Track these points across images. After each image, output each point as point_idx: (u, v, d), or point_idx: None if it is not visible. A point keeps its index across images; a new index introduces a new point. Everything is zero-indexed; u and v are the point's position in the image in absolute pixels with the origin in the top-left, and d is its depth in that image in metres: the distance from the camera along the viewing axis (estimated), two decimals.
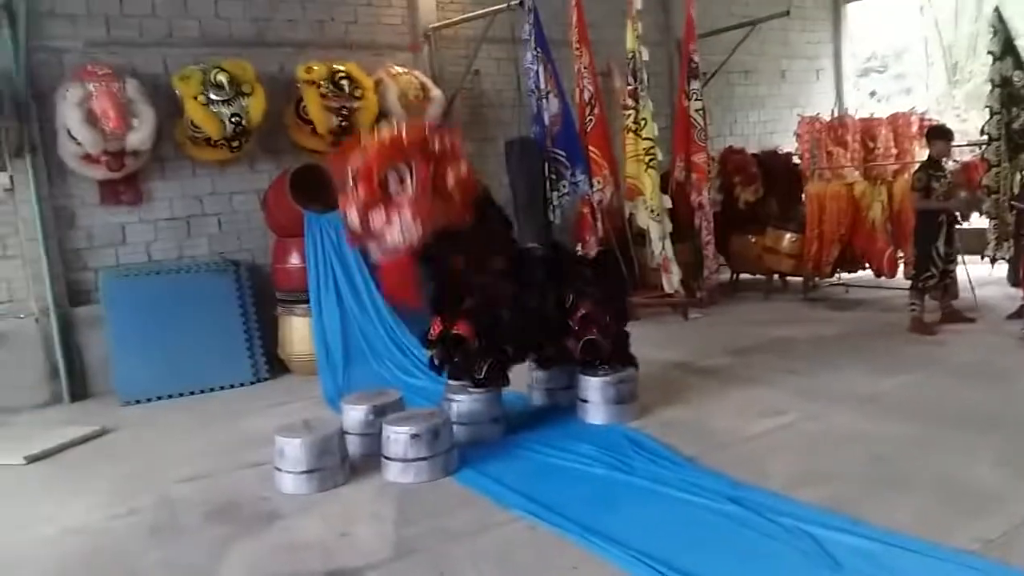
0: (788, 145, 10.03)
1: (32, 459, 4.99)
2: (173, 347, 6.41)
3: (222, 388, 6.46)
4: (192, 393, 6.30)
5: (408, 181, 4.24)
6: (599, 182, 7.68)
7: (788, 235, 8.64)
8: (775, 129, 11.29)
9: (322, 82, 7.19)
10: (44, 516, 4.12)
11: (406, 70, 7.95)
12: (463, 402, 4.76)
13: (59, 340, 6.45)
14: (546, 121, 7.40)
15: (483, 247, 4.71)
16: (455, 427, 4.53)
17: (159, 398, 6.22)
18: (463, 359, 4.78)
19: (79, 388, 6.52)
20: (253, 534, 3.74)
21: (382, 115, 7.61)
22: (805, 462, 4.14)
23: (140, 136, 6.53)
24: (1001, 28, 7.14)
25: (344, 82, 7.29)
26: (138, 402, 6.17)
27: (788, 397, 5.18)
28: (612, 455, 4.33)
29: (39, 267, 6.46)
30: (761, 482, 3.87)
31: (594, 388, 4.96)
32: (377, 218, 4.25)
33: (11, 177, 6.41)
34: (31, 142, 6.43)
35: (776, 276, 9.07)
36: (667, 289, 7.89)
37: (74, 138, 6.36)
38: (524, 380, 5.40)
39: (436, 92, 8.02)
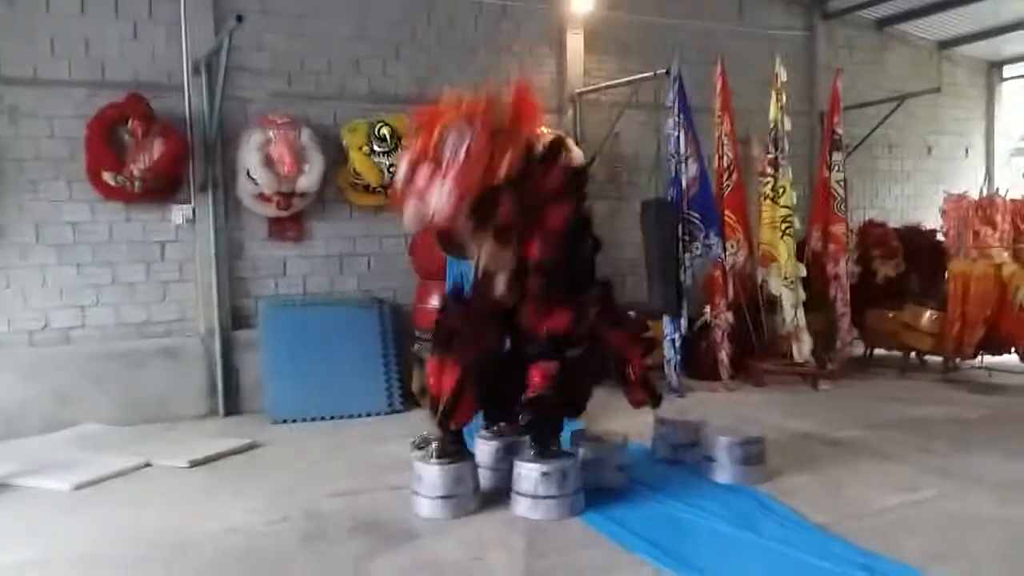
0: (932, 221, 9.77)
1: (194, 463, 5.51)
2: (319, 373, 6.90)
3: (360, 416, 6.87)
4: (333, 417, 6.74)
5: (463, 149, 4.14)
6: (733, 245, 7.78)
7: (929, 312, 8.37)
8: (918, 205, 11.03)
9: None
10: (207, 514, 4.55)
11: (551, 131, 8.35)
12: (591, 448, 4.92)
13: (220, 359, 7.09)
14: (683, 184, 7.59)
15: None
16: (584, 472, 4.65)
17: (304, 420, 6.69)
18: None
19: (233, 404, 7.11)
20: (393, 549, 4.00)
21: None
22: (940, 539, 4.04)
23: (309, 180, 7.18)
24: None
25: None
26: (285, 421, 6.66)
27: (923, 475, 5.04)
28: (738, 513, 4.37)
29: (209, 292, 7.14)
30: (894, 555, 3.81)
31: (721, 447, 5.01)
32: (422, 175, 4.20)
33: (194, 210, 7.15)
34: (214, 180, 7.18)
35: (914, 354, 8.78)
36: (797, 358, 7.82)
37: (252, 178, 7.06)
38: (649, 433, 5.52)
39: (578, 152, 8.35)
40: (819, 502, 4.57)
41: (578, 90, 8.70)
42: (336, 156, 7.41)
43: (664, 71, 7.61)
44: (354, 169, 7.32)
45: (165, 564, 3.90)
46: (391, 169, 7.22)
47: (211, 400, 7.09)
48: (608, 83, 8.64)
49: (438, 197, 4.16)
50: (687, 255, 7.61)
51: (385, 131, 7.29)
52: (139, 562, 3.93)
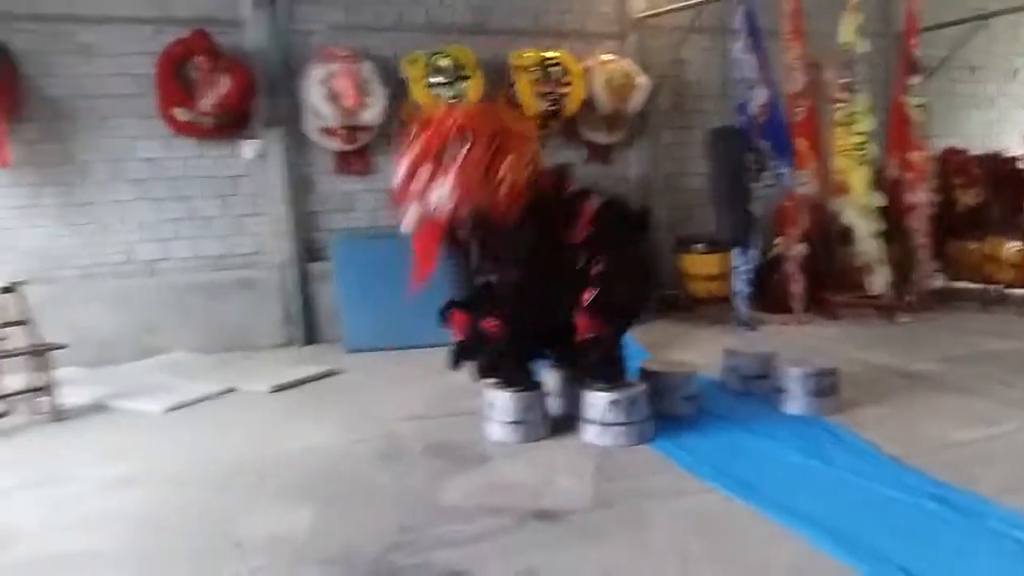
0: (1015, 148, 9.29)
1: (276, 389, 5.75)
2: (390, 305, 7.01)
3: (433, 345, 6.99)
4: (406, 347, 6.89)
5: (463, 150, 4.30)
6: (805, 175, 7.55)
7: (1011, 244, 8.06)
8: (1002, 131, 10.47)
9: (534, 68, 7.59)
10: (289, 436, 4.78)
11: (614, 58, 8.18)
12: (660, 378, 4.94)
13: (295, 291, 7.30)
14: (752, 111, 7.36)
15: (511, 248, 4.54)
16: (653, 401, 4.70)
17: (378, 349, 6.87)
18: (494, 358, 4.70)
19: (310, 334, 7.36)
20: (466, 470, 4.14)
21: (588, 101, 7.91)
22: (1019, 471, 3.98)
23: (372, 113, 7.22)
24: None
25: (554, 69, 7.66)
26: (359, 351, 6.86)
27: (1003, 408, 4.91)
28: (808, 443, 4.36)
29: (282, 226, 7.32)
30: (967, 487, 3.76)
31: (792, 378, 4.97)
32: (423, 175, 4.35)
33: (264, 144, 7.28)
34: (281, 114, 7.27)
35: (996, 286, 8.47)
36: (872, 290, 7.63)
37: (317, 112, 7.13)
38: (719, 366, 5.53)
39: (642, 79, 8.20)
40: (893, 435, 4.51)
41: (640, 14, 8.45)
42: (397, 89, 7.40)
43: None
44: (415, 101, 7.31)
45: (249, 481, 4.12)
46: (451, 101, 7.20)
47: (289, 329, 7.34)
48: (671, 7, 8.35)
49: (439, 194, 4.30)
50: (757, 185, 7.43)
51: (443, 62, 7.25)
52: (225, 479, 4.16)
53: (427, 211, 4.39)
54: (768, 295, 7.94)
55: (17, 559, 3.32)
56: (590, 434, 4.53)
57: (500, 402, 4.57)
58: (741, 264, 7.51)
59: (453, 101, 7.20)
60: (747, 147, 7.38)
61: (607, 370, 4.66)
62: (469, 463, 4.24)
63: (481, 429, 4.65)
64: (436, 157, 4.35)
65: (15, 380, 5.35)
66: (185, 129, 6.98)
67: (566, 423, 4.74)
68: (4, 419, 5.22)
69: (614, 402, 4.46)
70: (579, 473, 4.08)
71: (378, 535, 3.41)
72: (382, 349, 6.87)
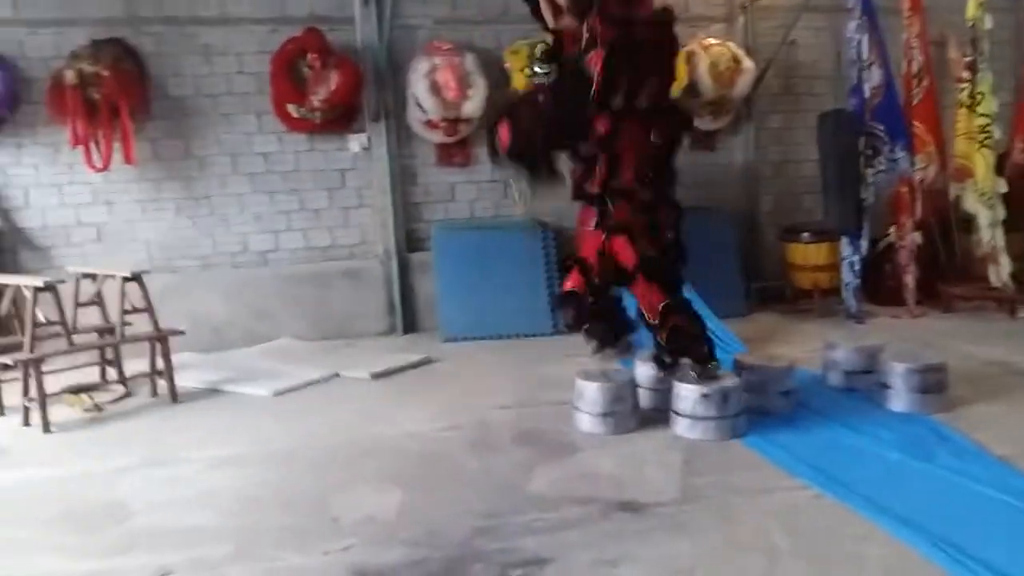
0: None
1: (376, 376, 5.97)
2: (487, 295, 7.18)
3: (525, 336, 7.11)
4: (500, 337, 7.01)
5: None
6: (922, 160, 7.16)
7: None
8: None
9: None
10: (386, 420, 4.96)
11: (719, 41, 7.98)
12: (754, 372, 4.83)
13: (396, 280, 7.53)
14: (866, 93, 7.04)
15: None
16: (747, 396, 4.61)
17: (473, 338, 7.01)
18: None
19: (410, 323, 7.58)
20: (555, 460, 4.19)
21: (691, 86, 7.75)
22: None
23: (473, 105, 7.32)
24: None
25: None
26: (456, 340, 7.02)
27: None
28: (911, 442, 4.17)
29: (386, 216, 7.56)
30: None
31: (898, 374, 4.76)
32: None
33: (369, 138, 7.53)
34: (386, 108, 7.49)
35: None
36: (994, 282, 7.18)
37: (420, 105, 7.30)
38: (820, 360, 5.35)
39: (748, 63, 7.97)
40: (1005, 434, 4.26)
41: None
42: (500, 80, 7.47)
43: None
44: (517, 91, 7.36)
45: (349, 462, 4.31)
46: None
47: (390, 318, 7.58)
48: None
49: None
50: (870, 170, 7.10)
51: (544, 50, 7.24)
52: (327, 459, 4.36)
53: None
54: (879, 287, 7.60)
55: (130, 530, 3.59)
56: (680, 427, 4.49)
57: (589, 393, 4.58)
58: (851, 254, 7.21)
59: None
60: (860, 131, 7.07)
61: (693, 347, 4.62)
62: (557, 453, 4.29)
63: (571, 420, 4.68)
64: None
65: (137, 364, 5.78)
66: (297, 124, 7.30)
67: (657, 416, 4.71)
68: (126, 400, 5.65)
69: (705, 395, 4.40)
70: (667, 466, 4.06)
71: (465, 520, 3.51)
72: (477, 339, 7.00)
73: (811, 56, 8.51)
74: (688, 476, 3.92)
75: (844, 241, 7.26)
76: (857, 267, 7.19)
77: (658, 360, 4.77)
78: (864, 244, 7.18)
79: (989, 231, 7.10)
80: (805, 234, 7.75)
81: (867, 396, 4.94)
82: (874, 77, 7.00)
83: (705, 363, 4.61)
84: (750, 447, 4.26)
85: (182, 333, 5.83)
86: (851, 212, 7.09)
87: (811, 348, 5.86)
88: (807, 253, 7.72)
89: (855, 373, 5.16)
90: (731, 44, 7.98)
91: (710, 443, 4.33)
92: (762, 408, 4.70)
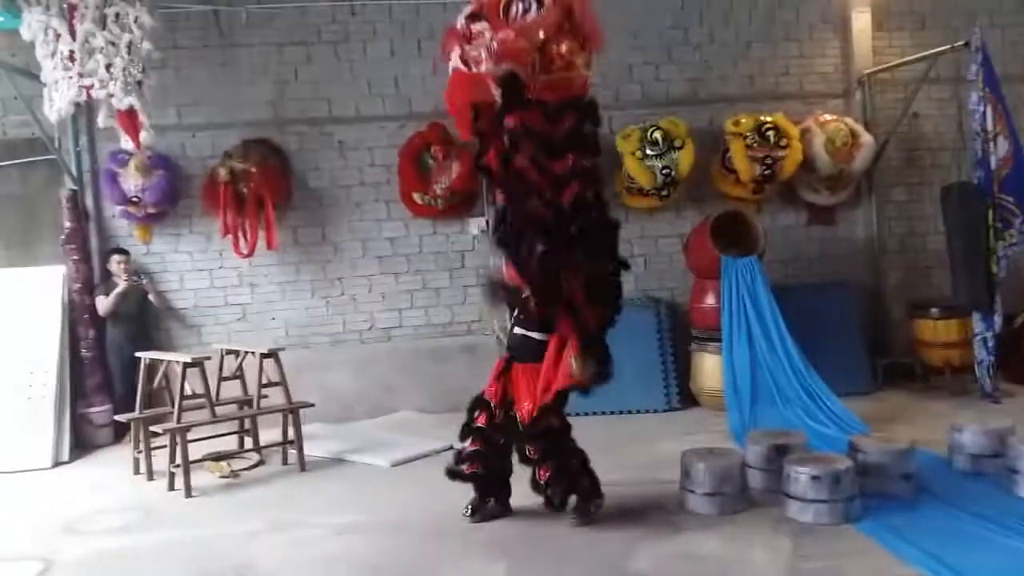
0: None
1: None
2: None
3: (638, 412, 7.13)
4: (612, 412, 7.07)
5: (529, 14, 4.17)
6: None
7: None
8: None
9: (748, 133, 7.58)
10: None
11: (835, 117, 7.95)
12: (871, 454, 4.69)
13: None
14: (992, 165, 6.81)
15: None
16: (863, 478, 4.48)
17: (585, 413, 7.08)
18: None
19: None
20: (659, 539, 4.22)
21: (807, 163, 7.74)
22: None
23: None
24: None
25: (770, 132, 7.58)
26: (569, 414, 7.08)
27: None
28: None
29: None
30: None
31: None
32: (478, 27, 4.26)
33: (487, 221, 7.91)
34: None
35: None
36: None
37: None
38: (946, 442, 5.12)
39: (867, 138, 7.87)
40: None
41: (867, 71, 8.14)
42: (612, 163, 7.73)
43: (963, 43, 6.88)
44: (628, 174, 7.59)
45: (458, 533, 4.51)
46: (664, 171, 7.40)
47: None
48: (899, 61, 7.98)
49: (489, 47, 4.17)
50: (1001, 243, 6.83)
51: (657, 135, 7.46)
52: (437, 530, 4.56)
53: (468, 57, 4.29)
54: (1016, 364, 7.17)
55: None
56: (791, 510, 4.40)
57: (696, 472, 4.59)
58: (984, 330, 6.86)
59: (666, 171, 7.41)
60: (986, 203, 6.82)
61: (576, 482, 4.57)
62: (662, 532, 4.31)
63: (679, 499, 4.68)
64: (500, 10, 4.24)
65: (271, 433, 6.24)
66: (422, 211, 7.81)
67: (767, 497, 4.64)
68: (260, 468, 6.10)
69: (815, 477, 4.31)
70: (774, 549, 4.00)
71: None
72: (591, 414, 7.07)
73: (934, 128, 8.31)
74: (795, 561, 3.85)
75: (976, 317, 6.94)
76: (991, 343, 6.83)
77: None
78: (998, 320, 6.84)
79: None
80: (934, 309, 7.45)
81: (995, 481, 4.68)
82: (1000, 148, 6.80)
83: (589, 500, 4.53)
84: (864, 532, 4.13)
85: (312, 405, 6.26)
86: (980, 287, 6.79)
87: (939, 429, 5.59)
88: (937, 329, 7.40)
89: (982, 456, 4.90)
90: (848, 120, 7.93)
91: (822, 527, 4.23)
92: (881, 492, 4.54)
